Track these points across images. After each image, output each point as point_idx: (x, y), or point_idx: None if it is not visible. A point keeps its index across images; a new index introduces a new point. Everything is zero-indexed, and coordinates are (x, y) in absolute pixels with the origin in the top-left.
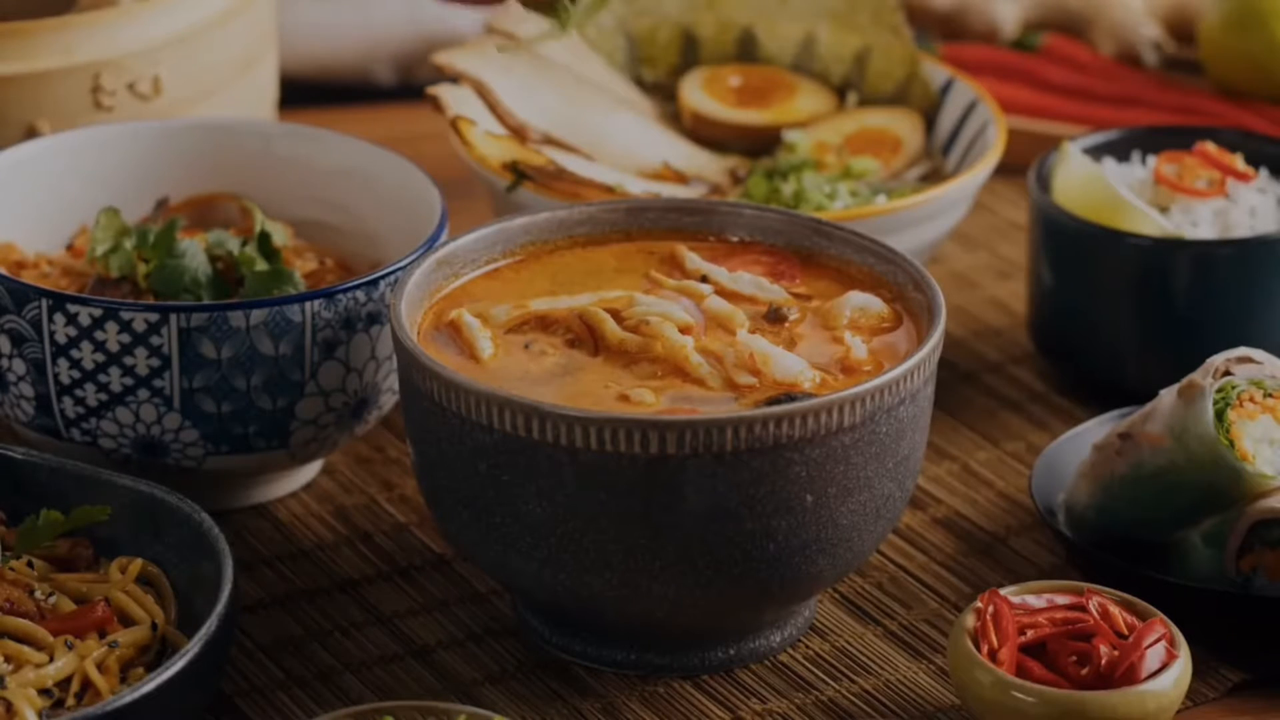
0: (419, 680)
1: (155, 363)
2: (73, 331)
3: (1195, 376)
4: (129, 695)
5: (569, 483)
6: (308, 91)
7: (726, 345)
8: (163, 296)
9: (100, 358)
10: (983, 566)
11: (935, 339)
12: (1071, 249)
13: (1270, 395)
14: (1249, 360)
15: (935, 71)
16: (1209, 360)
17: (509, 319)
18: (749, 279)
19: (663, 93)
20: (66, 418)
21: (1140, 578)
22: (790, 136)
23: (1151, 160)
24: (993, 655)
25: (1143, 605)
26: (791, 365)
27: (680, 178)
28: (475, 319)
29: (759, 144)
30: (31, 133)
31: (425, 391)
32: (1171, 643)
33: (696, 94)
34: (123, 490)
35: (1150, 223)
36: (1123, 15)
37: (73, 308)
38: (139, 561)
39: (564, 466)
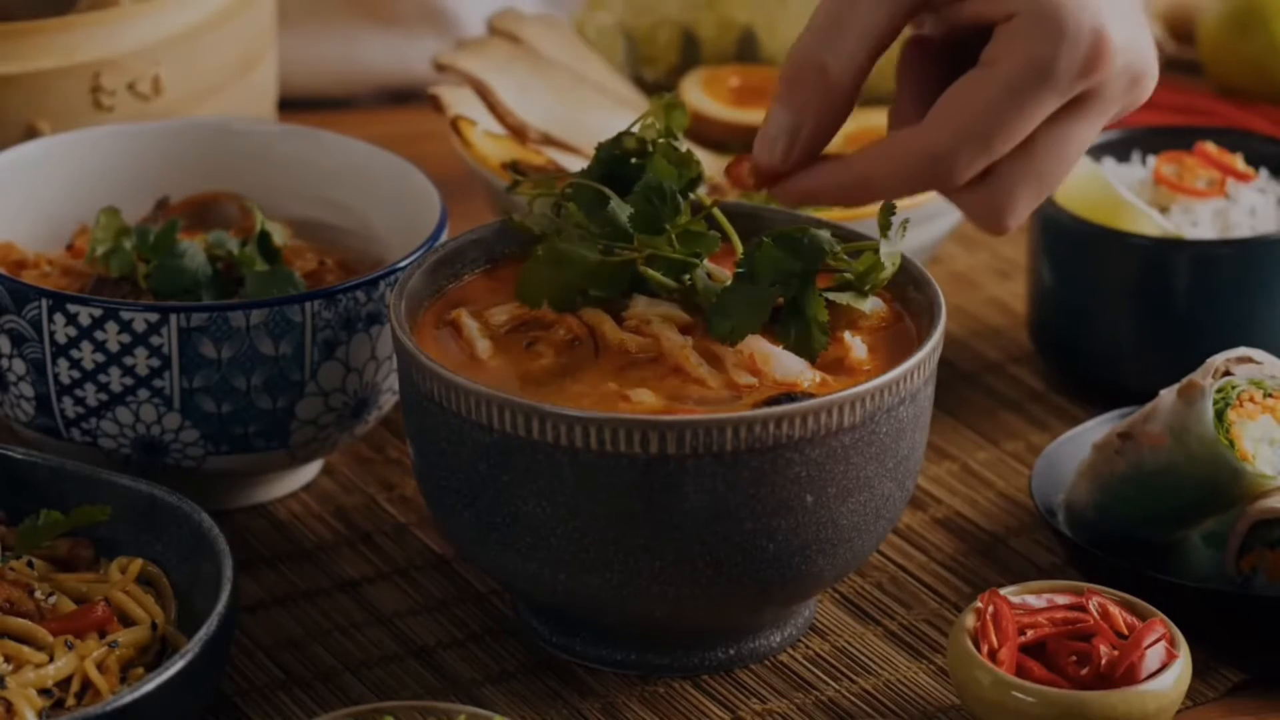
0: (419, 680)
1: (155, 363)
2: (73, 331)
3: (1195, 376)
4: (129, 695)
5: (569, 483)
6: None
7: (726, 345)
8: (163, 296)
9: (100, 358)
10: (983, 566)
11: (935, 339)
12: (1071, 249)
13: (1270, 395)
14: (1249, 360)
15: None
16: (1209, 360)
17: (509, 319)
18: None
19: (662, 92)
20: (66, 418)
21: (1140, 578)
22: None
23: (1151, 160)
24: (993, 655)
25: (1143, 605)
26: (791, 365)
27: None
28: (475, 319)
29: None
30: (31, 133)
31: (425, 391)
32: (1171, 643)
33: (696, 94)
34: (123, 490)
35: (1150, 223)
36: None
37: (73, 308)
38: (139, 561)
39: (564, 466)
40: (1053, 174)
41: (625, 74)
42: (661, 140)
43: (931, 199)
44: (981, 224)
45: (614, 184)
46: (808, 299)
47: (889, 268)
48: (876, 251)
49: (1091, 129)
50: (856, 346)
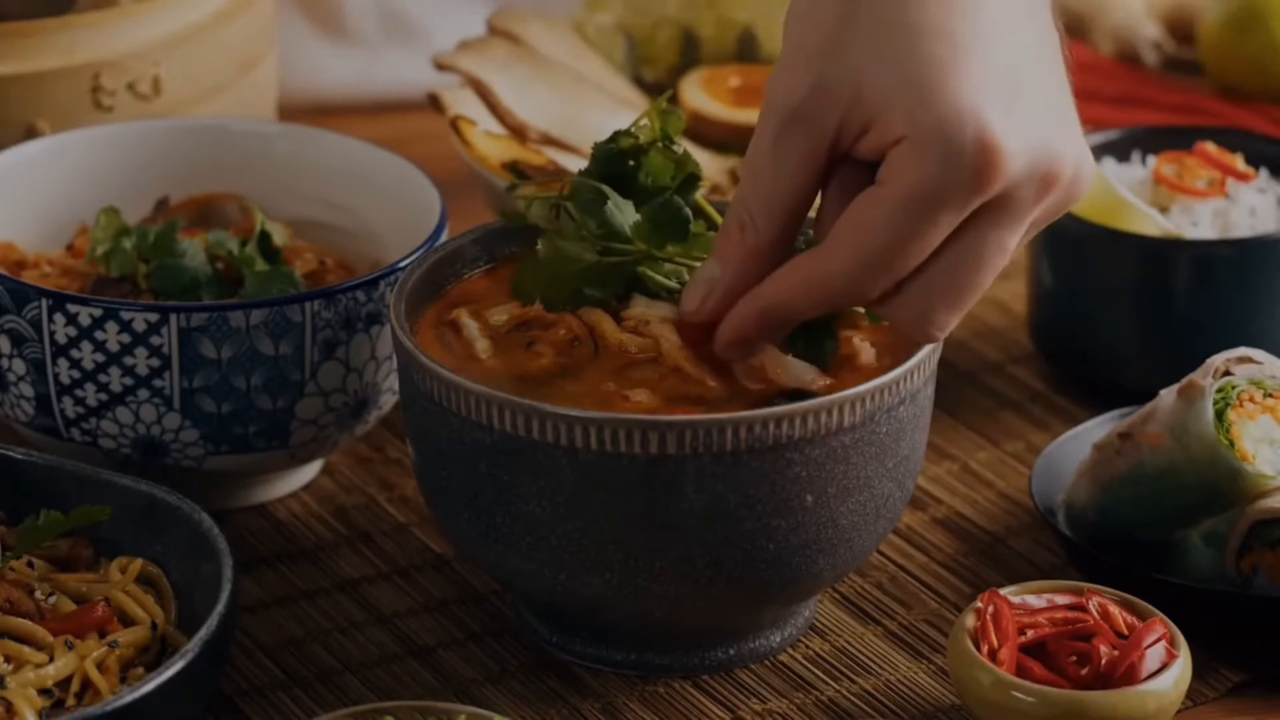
0: (419, 680)
1: (155, 363)
2: (73, 331)
3: (1195, 376)
4: (129, 695)
5: (569, 483)
6: None
7: None
8: (163, 296)
9: (100, 358)
10: (983, 566)
11: None
12: (1071, 249)
13: (1270, 395)
14: (1249, 360)
15: None
16: (1209, 360)
17: (508, 319)
18: None
19: (662, 93)
20: (66, 418)
21: (1140, 578)
22: None
23: (1151, 160)
24: (993, 655)
25: (1143, 605)
26: (792, 365)
27: None
28: (474, 319)
29: None
30: (31, 133)
31: (425, 391)
32: (1171, 643)
33: (696, 94)
34: (123, 490)
35: (1150, 223)
36: (1123, 15)
37: (73, 308)
38: (139, 561)
39: (564, 466)
40: (970, 284)
41: (625, 74)
42: (658, 144)
43: None
44: (908, 333)
45: (611, 183)
46: None
47: None
48: None
49: (1008, 235)
50: (864, 349)
